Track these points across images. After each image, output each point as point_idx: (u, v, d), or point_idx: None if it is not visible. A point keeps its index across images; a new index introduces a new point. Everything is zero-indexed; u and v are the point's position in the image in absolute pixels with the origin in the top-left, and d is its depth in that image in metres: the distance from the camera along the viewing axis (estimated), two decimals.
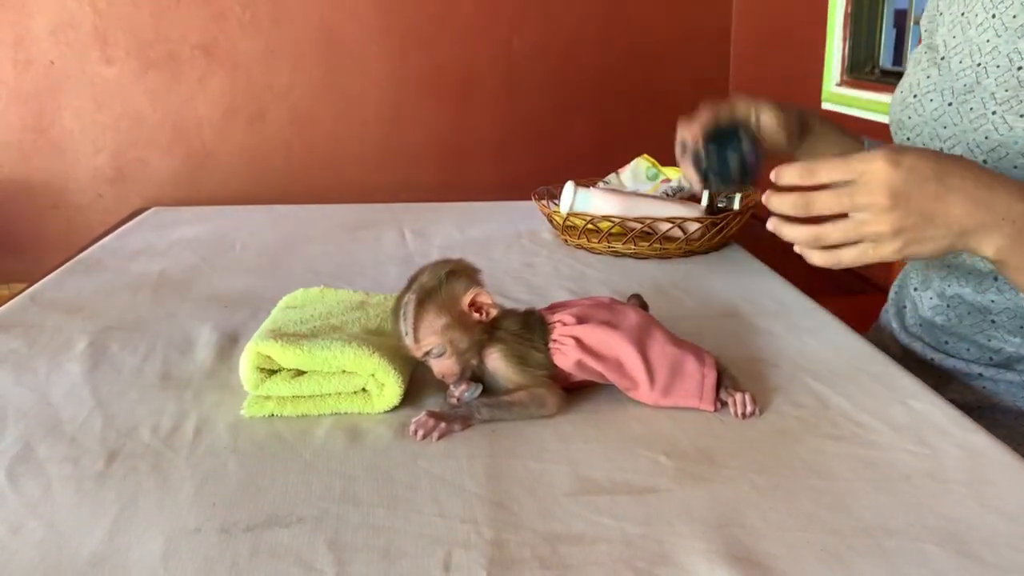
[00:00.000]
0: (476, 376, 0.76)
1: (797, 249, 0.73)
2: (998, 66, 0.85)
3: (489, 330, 0.76)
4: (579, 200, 1.24)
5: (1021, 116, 0.82)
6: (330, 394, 0.75)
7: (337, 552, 0.56)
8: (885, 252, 0.70)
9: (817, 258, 0.73)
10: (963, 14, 0.91)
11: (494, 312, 0.77)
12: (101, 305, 1.03)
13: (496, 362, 0.76)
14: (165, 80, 3.00)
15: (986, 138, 0.84)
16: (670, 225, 1.20)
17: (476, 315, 0.75)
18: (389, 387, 0.75)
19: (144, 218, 1.48)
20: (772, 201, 0.71)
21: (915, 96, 0.94)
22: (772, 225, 0.73)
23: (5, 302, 1.05)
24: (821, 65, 2.57)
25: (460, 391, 0.75)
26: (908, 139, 0.95)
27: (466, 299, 0.75)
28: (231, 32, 2.98)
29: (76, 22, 2.92)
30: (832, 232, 0.70)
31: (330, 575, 0.54)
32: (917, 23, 1.04)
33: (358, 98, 3.08)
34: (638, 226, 1.19)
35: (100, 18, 2.92)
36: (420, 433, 0.71)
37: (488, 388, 0.76)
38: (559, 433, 0.71)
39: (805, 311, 1.02)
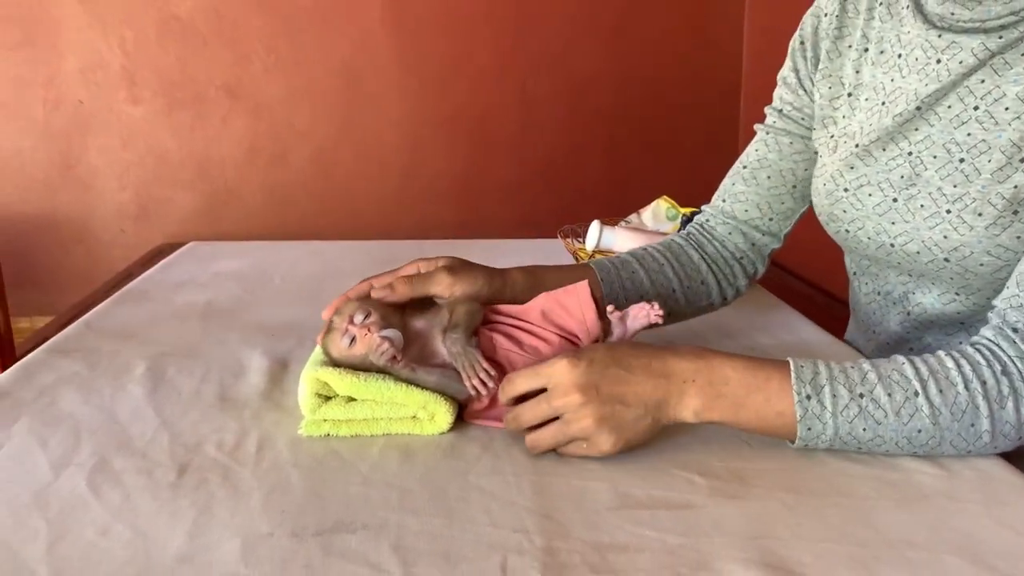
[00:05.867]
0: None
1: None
2: (935, 157, 0.85)
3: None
4: (605, 238, 1.30)
5: (979, 214, 0.82)
6: (382, 418, 0.80)
7: (402, 555, 0.61)
8: (603, 445, 0.73)
9: (555, 452, 0.76)
10: (884, 103, 0.90)
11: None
12: (153, 332, 1.09)
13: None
14: (190, 120, 3.08)
15: (945, 237, 0.84)
16: None
17: None
18: (440, 416, 0.80)
19: (183, 252, 1.54)
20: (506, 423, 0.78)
21: (846, 190, 0.93)
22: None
23: (28, 335, 1.11)
24: None
25: (386, 333, 0.80)
26: (847, 231, 0.95)
27: None
28: (255, 74, 3.06)
29: (105, 63, 3.01)
30: (544, 437, 0.75)
31: (397, 575, 0.59)
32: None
33: (377, 139, 3.15)
34: None
35: (128, 59, 3.01)
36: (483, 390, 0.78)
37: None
38: None
39: (824, 344, 1.07)
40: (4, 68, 2.97)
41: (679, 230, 1.42)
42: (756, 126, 1.08)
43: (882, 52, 0.91)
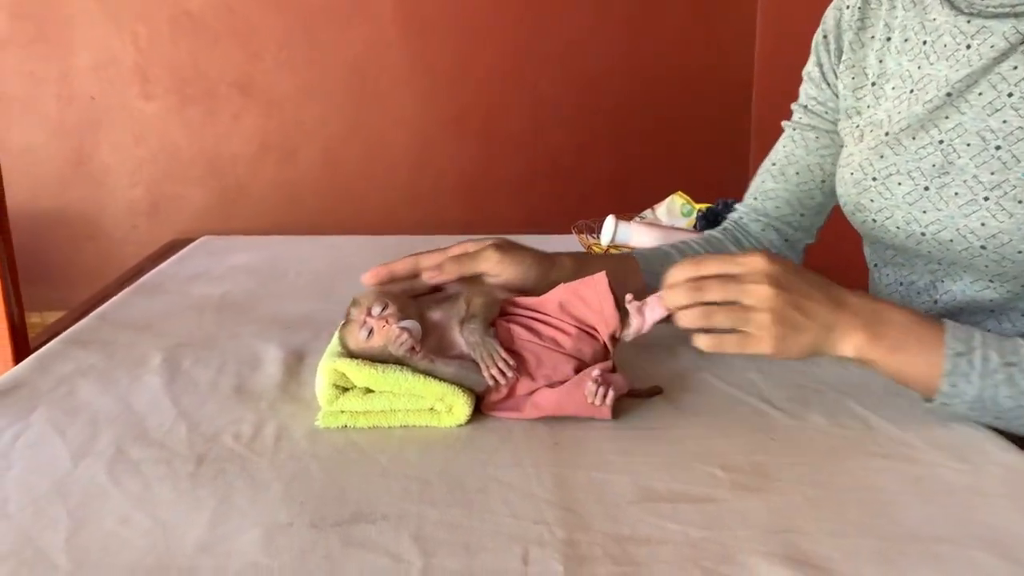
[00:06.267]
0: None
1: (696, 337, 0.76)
2: (968, 145, 0.85)
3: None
4: (620, 233, 1.29)
5: (1019, 202, 0.81)
6: (400, 410, 0.80)
7: (422, 545, 0.60)
8: (766, 343, 0.74)
9: (703, 342, 0.76)
10: (912, 91, 0.90)
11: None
12: (168, 324, 1.09)
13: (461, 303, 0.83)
14: (201, 116, 3.09)
15: (982, 225, 0.84)
16: None
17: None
18: (458, 408, 0.79)
19: (197, 245, 1.54)
20: (666, 296, 0.77)
21: (875, 179, 0.93)
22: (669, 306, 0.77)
23: (39, 330, 1.10)
24: None
25: (404, 324, 0.79)
26: (874, 221, 0.94)
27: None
28: (267, 71, 3.07)
29: (118, 59, 3.01)
30: (719, 315, 0.75)
31: (418, 565, 0.58)
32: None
33: (387, 137, 3.15)
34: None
35: (141, 55, 3.01)
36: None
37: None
38: (620, 447, 0.76)
39: None
40: (17, 64, 2.97)
41: (694, 226, 1.41)
42: (783, 123, 1.09)
43: (906, 40, 0.91)
